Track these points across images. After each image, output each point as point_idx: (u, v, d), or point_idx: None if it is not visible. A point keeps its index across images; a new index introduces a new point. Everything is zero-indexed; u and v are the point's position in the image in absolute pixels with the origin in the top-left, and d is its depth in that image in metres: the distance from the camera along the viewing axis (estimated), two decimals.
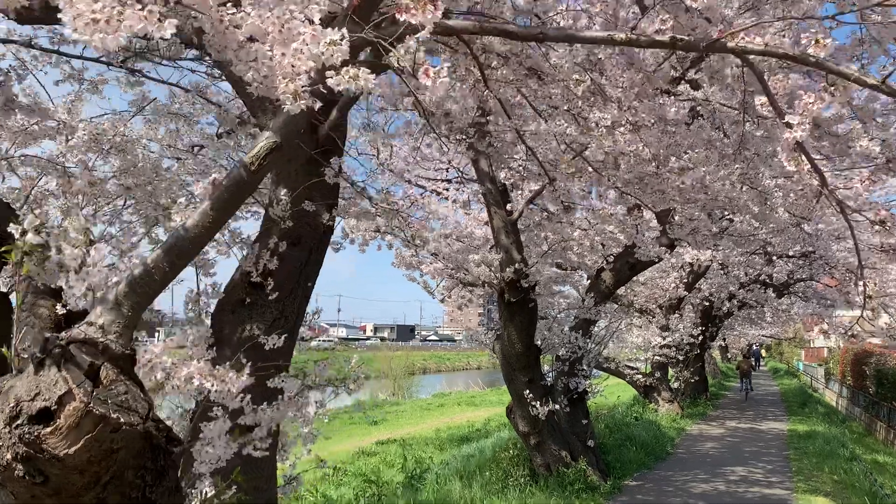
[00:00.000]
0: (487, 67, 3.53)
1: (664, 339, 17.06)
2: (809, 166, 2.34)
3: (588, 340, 10.03)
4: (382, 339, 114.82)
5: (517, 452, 10.37)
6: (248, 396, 2.94)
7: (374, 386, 46.34)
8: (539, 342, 9.41)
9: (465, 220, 11.65)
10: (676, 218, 7.16)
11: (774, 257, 18.94)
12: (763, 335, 48.51)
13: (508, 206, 8.58)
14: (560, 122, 3.73)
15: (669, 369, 20.45)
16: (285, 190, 3.98)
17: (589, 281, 10.70)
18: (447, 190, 12.90)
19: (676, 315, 18.02)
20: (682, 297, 17.49)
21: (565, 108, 4.01)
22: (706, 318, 20.45)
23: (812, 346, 53.74)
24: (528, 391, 9.13)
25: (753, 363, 39.28)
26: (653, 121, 3.94)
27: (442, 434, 20.36)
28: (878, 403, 19.77)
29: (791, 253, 17.87)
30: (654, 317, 17.58)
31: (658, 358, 17.66)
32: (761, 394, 30.32)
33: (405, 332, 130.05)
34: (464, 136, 8.73)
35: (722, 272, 18.69)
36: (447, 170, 10.76)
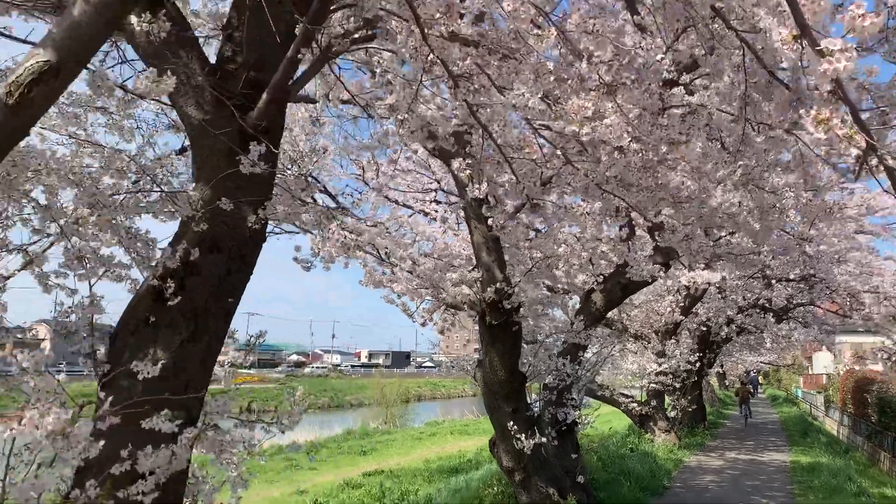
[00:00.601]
0: (429, 21, 2.88)
1: (660, 365, 16.30)
2: (843, 125, 1.67)
3: (577, 367, 9.30)
4: (376, 365, 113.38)
5: (502, 489, 9.59)
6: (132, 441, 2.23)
7: (365, 414, 45.30)
8: (524, 369, 8.68)
9: (453, 241, 11.00)
10: (666, 219, 6.48)
11: (773, 281, 18.33)
12: (761, 362, 47.81)
13: (490, 221, 7.92)
14: (520, 93, 3.08)
15: (666, 397, 19.65)
16: (201, 183, 3.31)
17: (579, 303, 10.01)
18: (436, 211, 12.29)
19: (673, 340, 17.29)
20: (678, 321, 16.79)
21: (531, 76, 3.36)
22: (704, 344, 19.73)
23: (811, 372, 52.96)
24: (511, 422, 8.37)
25: (752, 390, 39.78)
26: (633, 77, 3.28)
27: (431, 465, 19.57)
28: (881, 433, 19.04)
29: (791, 276, 17.25)
30: (649, 342, 16.85)
31: (654, 385, 16.87)
32: (761, 422, 29.50)
33: (400, 359, 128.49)
34: (439, 145, 8.14)
35: (719, 296, 18.05)
36: (434, 185, 10.10)
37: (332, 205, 13.41)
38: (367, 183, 15.12)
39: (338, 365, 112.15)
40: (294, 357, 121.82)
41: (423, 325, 10.77)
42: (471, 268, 8.23)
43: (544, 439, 8.53)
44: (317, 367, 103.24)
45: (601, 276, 9.00)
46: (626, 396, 17.86)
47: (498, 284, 7.62)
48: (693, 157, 3.96)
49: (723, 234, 9.82)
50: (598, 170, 3.63)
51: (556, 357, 8.96)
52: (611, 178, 3.74)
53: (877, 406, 19.42)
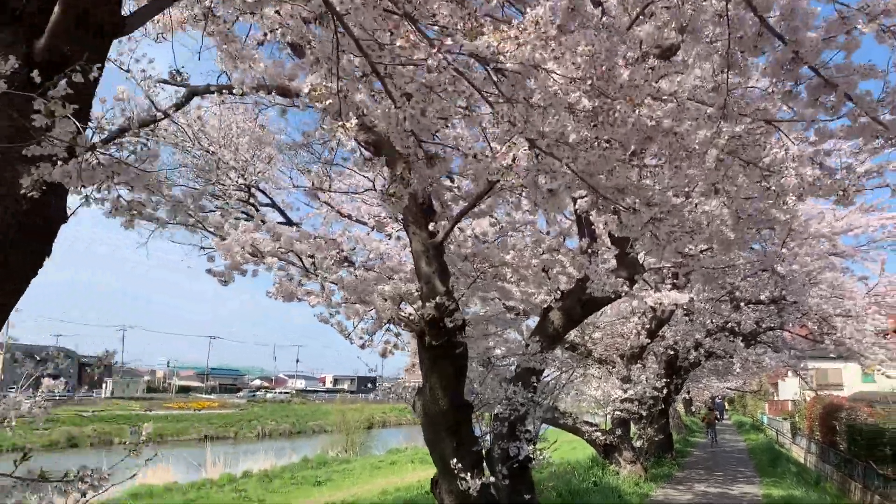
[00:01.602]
0: None
1: (625, 391, 15.31)
2: None
3: (532, 394, 8.24)
4: (341, 390, 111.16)
5: None
6: None
7: (325, 442, 43.58)
8: (471, 397, 7.59)
9: (394, 247, 9.93)
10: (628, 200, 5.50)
11: (742, 304, 17.61)
12: (727, 388, 47.34)
13: (431, 227, 6.88)
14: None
15: (632, 425, 18.67)
16: None
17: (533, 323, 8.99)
18: (394, 228, 11.26)
19: (639, 365, 16.36)
20: (644, 344, 15.87)
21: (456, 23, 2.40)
22: (671, 369, 18.85)
23: (776, 398, 52.71)
24: (455, 459, 7.25)
25: (718, 415, 40.88)
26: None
27: (388, 496, 18.39)
28: (851, 461, 18.35)
29: (761, 298, 16.51)
30: (613, 367, 15.88)
31: (619, 413, 15.86)
32: (728, 450, 28.76)
33: (366, 384, 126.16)
34: (375, 138, 7.09)
35: (687, 319, 17.24)
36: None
37: (280, 219, 12.31)
38: (317, 196, 14.02)
39: (302, 390, 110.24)
40: (257, 382, 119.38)
41: (363, 347, 9.64)
42: (406, 280, 7.18)
43: (493, 478, 7.43)
44: (280, 392, 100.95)
45: (559, 292, 8.00)
46: (590, 425, 16.81)
47: (438, 299, 6.56)
48: (669, 113, 3.01)
49: (692, 247, 8.93)
50: (529, 118, 2.64)
51: (507, 384, 7.87)
52: (548, 134, 2.76)
53: (846, 434, 18.80)
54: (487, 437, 8.17)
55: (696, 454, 26.21)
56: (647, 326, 15.63)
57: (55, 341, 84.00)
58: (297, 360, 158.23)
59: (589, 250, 7.33)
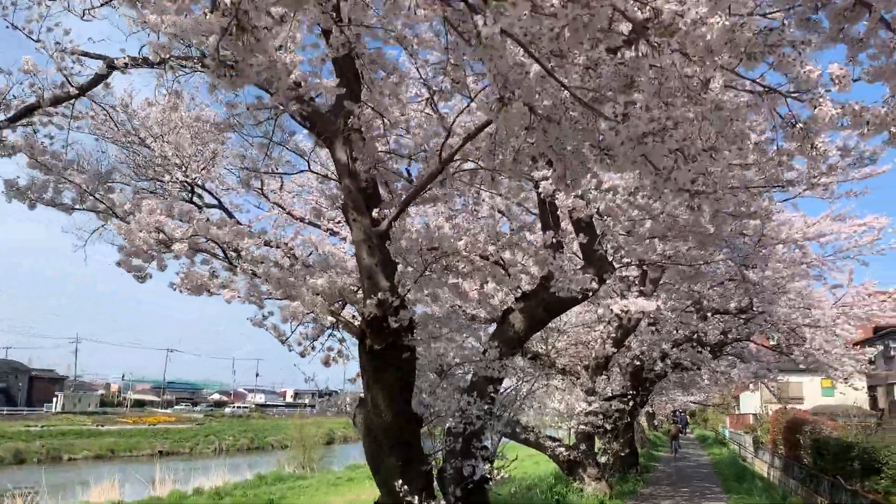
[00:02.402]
0: None
1: (590, 404, 14.53)
2: None
3: (490, 406, 7.36)
4: (302, 405, 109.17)
5: None
6: None
7: (281, 457, 42.12)
8: (420, 409, 6.70)
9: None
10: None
11: (709, 313, 17.07)
12: (690, 401, 47.18)
13: (375, 213, 6.00)
14: None
15: (596, 440, 17.91)
16: None
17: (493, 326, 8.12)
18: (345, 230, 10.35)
19: (604, 377, 15.63)
20: (610, 355, 15.15)
21: None
22: (636, 381, 18.18)
23: (738, 412, 52.76)
24: (401, 481, 6.33)
25: (682, 428, 41.50)
26: None
27: None
28: (817, 476, 17.92)
29: (729, 308, 15.97)
30: (578, 378, 15.11)
31: (583, 427, 15.06)
32: (693, 465, 28.29)
33: (328, 398, 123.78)
34: (309, 110, 6.21)
35: (652, 329, 16.62)
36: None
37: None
38: (267, 197, 13.01)
39: (261, 404, 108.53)
40: (216, 396, 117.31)
41: (303, 354, 8.67)
42: (346, 274, 6.28)
43: (444, 502, 6.53)
44: (238, 407, 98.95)
45: (519, 290, 7.16)
46: (553, 440, 15.98)
47: (381, 295, 5.68)
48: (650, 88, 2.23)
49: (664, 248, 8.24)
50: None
51: (461, 394, 6.96)
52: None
53: (812, 448, 18.40)
54: (438, 454, 7.27)
55: (660, 469, 25.64)
56: (613, 335, 14.92)
57: (4, 354, 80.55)
58: (257, 375, 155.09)
59: (553, 240, 6.52)
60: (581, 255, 7.71)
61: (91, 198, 6.16)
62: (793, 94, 2.54)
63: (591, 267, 7.51)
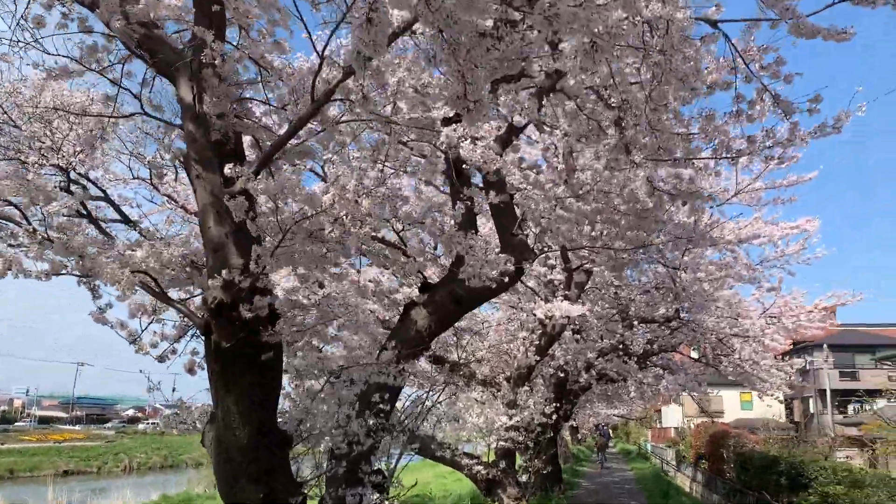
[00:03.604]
0: None
1: (511, 418, 13.34)
2: None
3: (383, 421, 5.97)
4: None
5: None
6: None
7: (194, 476, 39.46)
8: (288, 425, 5.26)
9: None
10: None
11: (636, 321, 16.27)
12: (613, 414, 47.02)
13: (228, 170, 4.56)
14: None
15: (517, 457, 16.72)
16: None
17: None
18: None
19: (526, 388, 14.48)
20: (532, 364, 14.02)
21: None
22: (560, 393, 17.15)
23: (660, 426, 53.11)
24: None
25: (607, 442, 42.37)
26: None
27: None
28: (741, 491, 17.44)
29: (656, 316, 15.18)
30: (498, 390, 13.89)
31: (503, 443, 13.83)
32: (617, 480, 27.64)
33: None
34: (141, 31, 4.75)
35: (577, 338, 15.66)
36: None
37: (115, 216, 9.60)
38: (158, 189, 11.35)
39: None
40: (130, 412, 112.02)
41: (161, 360, 7.08)
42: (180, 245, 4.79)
43: None
44: (153, 423, 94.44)
45: (420, 275, 5.83)
46: (471, 457, 14.67)
47: (226, 273, 4.24)
48: None
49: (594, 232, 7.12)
50: None
51: (346, 406, 5.52)
52: None
53: (736, 462, 17.93)
54: (313, 482, 5.82)
55: (584, 485, 24.74)
56: (537, 343, 13.81)
57: None
58: (174, 389, 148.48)
59: (462, 217, 5.24)
60: (499, 240, 6.49)
61: None
62: None
63: (510, 252, 6.28)
